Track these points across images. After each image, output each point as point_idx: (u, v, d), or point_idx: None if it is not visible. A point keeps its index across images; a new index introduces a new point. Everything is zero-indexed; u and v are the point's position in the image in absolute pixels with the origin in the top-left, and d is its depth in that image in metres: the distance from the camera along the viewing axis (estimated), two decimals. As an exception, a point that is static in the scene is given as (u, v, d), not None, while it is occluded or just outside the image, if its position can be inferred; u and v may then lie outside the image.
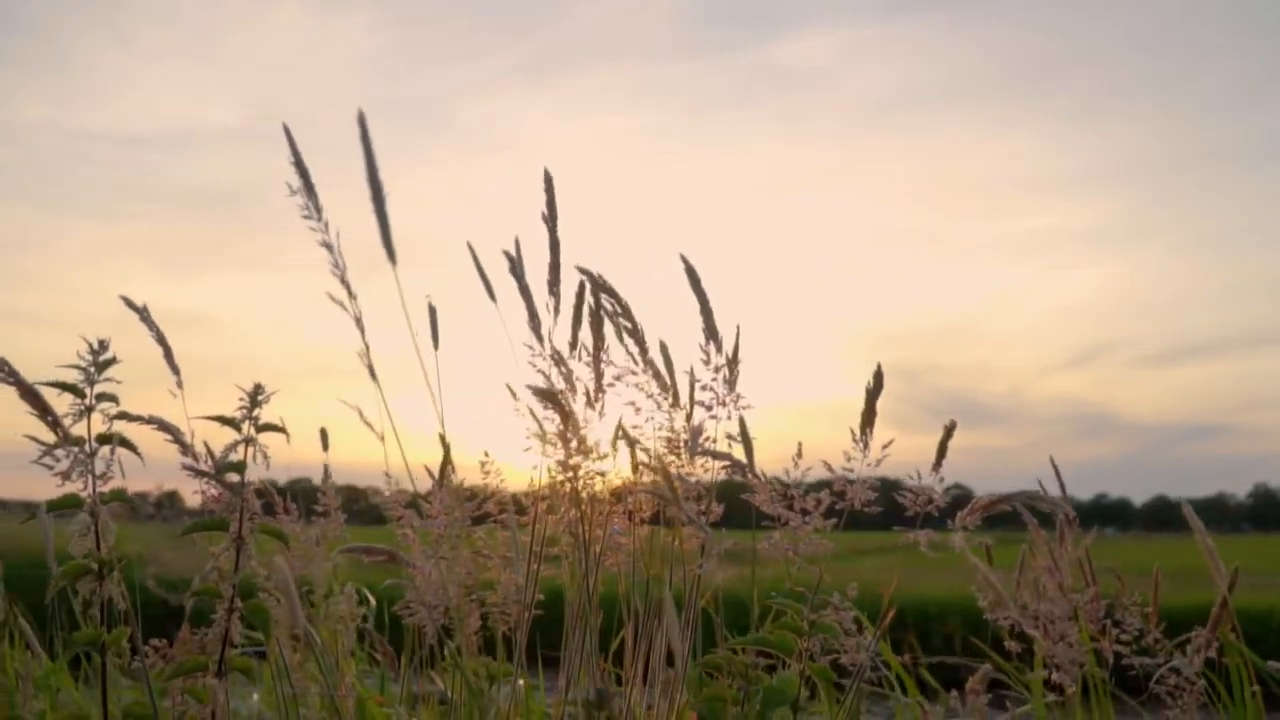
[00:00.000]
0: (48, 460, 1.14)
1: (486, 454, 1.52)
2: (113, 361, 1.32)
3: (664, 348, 1.22)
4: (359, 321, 0.98)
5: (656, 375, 1.17)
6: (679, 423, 1.27)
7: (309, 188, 1.06)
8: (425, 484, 1.36)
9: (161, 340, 1.35)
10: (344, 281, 0.97)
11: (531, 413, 1.39)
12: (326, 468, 1.49)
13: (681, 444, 1.30)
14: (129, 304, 1.36)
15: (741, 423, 1.13)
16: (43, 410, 1.06)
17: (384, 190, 0.83)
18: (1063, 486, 1.38)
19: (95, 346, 1.33)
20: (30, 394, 1.05)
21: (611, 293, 1.13)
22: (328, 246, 1.00)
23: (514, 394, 1.39)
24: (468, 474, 1.49)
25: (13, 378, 1.02)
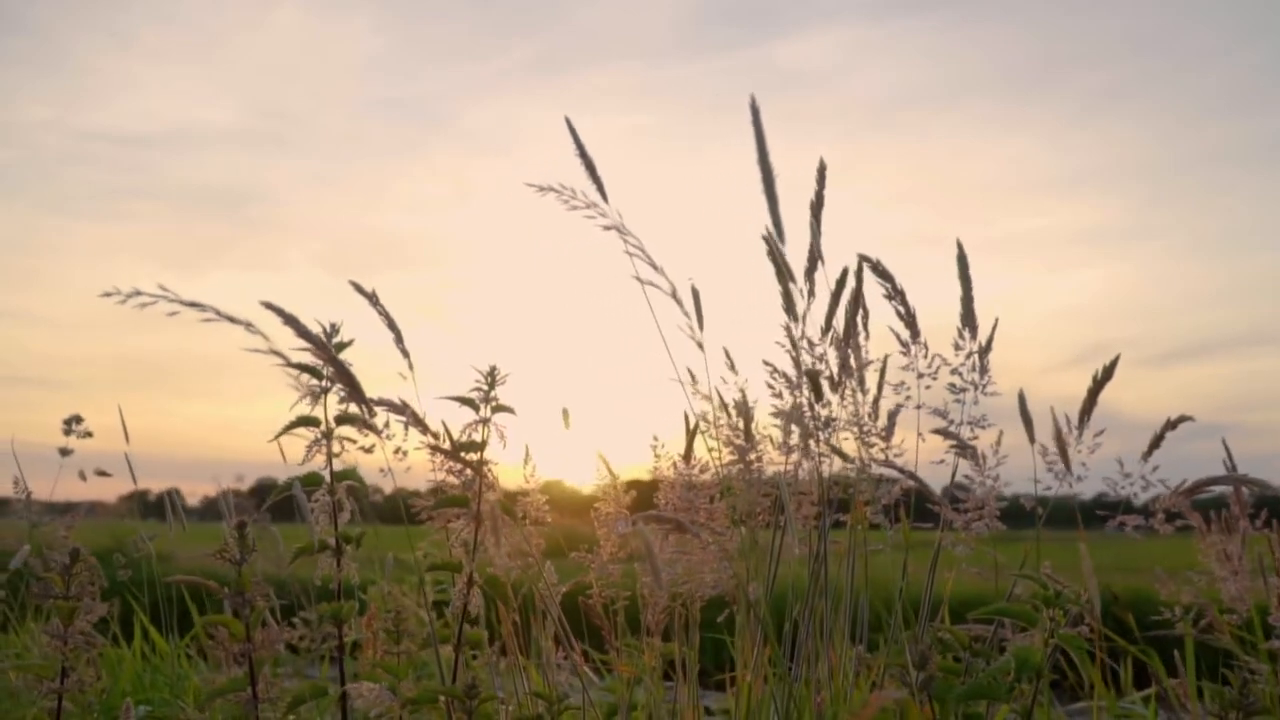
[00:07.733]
0: (368, 435, 1.20)
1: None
2: (348, 344, 1.37)
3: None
4: (675, 294, 1.04)
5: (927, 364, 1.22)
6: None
7: (597, 180, 1.12)
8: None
9: (392, 325, 1.40)
10: (648, 258, 1.03)
11: (714, 394, 1.44)
12: (527, 448, 1.54)
13: (875, 431, 1.36)
14: (358, 289, 1.41)
15: (1021, 397, 1.19)
16: (352, 386, 1.12)
17: (774, 173, 0.88)
18: (1233, 467, 1.45)
19: (328, 329, 1.38)
20: (344, 375, 1.10)
21: (888, 277, 1.18)
22: (617, 229, 1.06)
23: (733, 362, 1.44)
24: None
25: (325, 351, 1.07)
